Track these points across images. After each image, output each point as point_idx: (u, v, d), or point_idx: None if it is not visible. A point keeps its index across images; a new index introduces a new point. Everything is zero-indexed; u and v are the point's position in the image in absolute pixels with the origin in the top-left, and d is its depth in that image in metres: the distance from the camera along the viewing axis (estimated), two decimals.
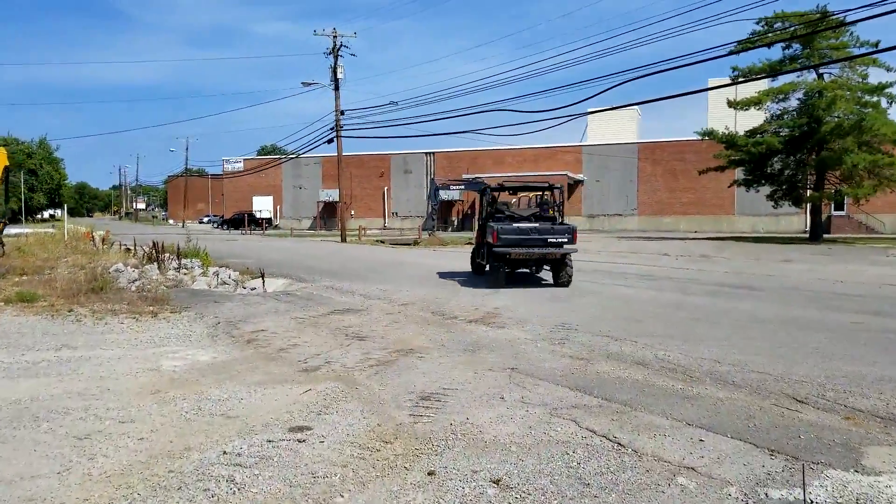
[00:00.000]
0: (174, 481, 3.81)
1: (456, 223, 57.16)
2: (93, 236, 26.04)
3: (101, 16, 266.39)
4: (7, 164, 17.82)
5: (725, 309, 10.20)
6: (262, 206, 65.43)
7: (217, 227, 61.61)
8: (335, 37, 35.27)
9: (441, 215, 56.39)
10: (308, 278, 15.34)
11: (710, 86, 55.44)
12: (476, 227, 17.61)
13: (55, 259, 18.59)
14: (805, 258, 21.31)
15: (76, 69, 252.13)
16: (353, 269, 18.38)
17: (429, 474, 3.84)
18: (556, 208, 14.60)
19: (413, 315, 9.87)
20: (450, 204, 56.23)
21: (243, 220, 55.70)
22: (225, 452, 4.26)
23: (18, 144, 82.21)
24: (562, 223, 14.02)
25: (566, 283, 13.20)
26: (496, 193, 15.14)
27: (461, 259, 21.86)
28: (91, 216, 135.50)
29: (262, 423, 4.89)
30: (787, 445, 4.26)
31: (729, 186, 40.48)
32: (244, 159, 66.55)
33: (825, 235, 33.66)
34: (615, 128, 58.38)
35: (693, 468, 3.88)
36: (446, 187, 36.64)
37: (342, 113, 35.20)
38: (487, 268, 14.46)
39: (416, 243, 32.44)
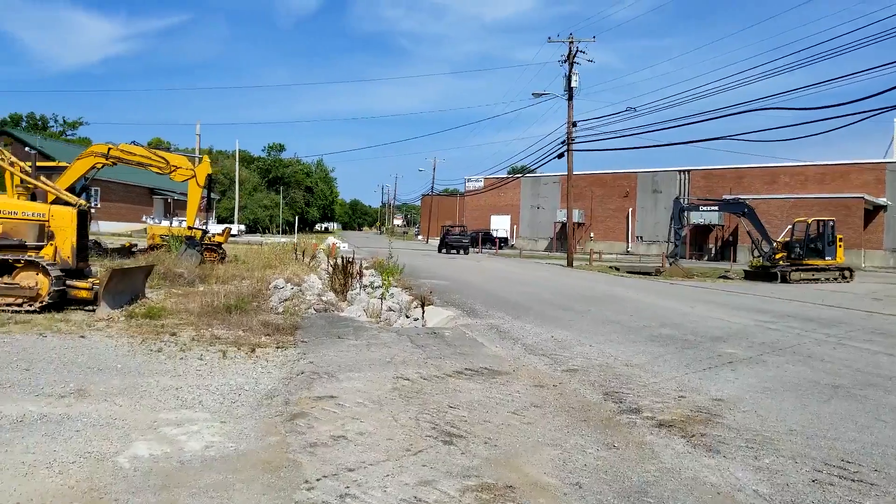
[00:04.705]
0: None
1: (714, 251, 49.31)
2: (301, 249, 26.41)
3: (384, 51, 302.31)
4: (210, 171, 18.05)
5: None
6: (500, 224, 64.82)
7: None
8: (571, 42, 32.14)
9: (696, 241, 49.15)
10: (481, 311, 12.31)
11: None
12: (442, 239, 46.80)
13: (259, 269, 18.42)
14: None
15: (357, 99, 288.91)
16: (549, 302, 14.84)
17: None
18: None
19: (569, 395, 6.14)
20: (706, 228, 48.81)
21: (477, 239, 55.22)
22: None
23: (300, 164, 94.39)
24: (466, 234, 47.03)
25: (466, 253, 43.89)
26: (450, 227, 47.65)
27: (695, 300, 16.86)
28: (361, 230, 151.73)
29: None
30: None
31: None
32: (484, 178, 66.65)
33: None
34: None
35: None
36: (695, 208, 31.03)
37: (574, 125, 31.79)
38: (444, 251, 43.19)
39: (657, 273, 27.46)
